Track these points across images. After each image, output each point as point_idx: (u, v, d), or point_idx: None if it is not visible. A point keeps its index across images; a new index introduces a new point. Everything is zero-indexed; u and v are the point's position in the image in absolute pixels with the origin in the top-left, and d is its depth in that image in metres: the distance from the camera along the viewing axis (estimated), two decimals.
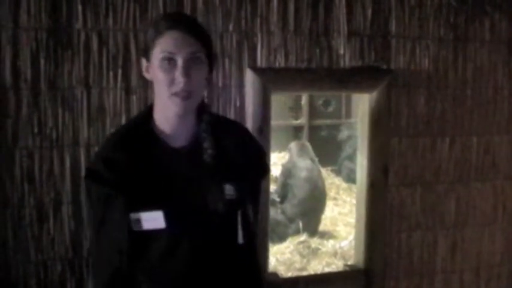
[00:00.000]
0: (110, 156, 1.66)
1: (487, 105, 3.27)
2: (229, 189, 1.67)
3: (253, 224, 1.77)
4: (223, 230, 1.69)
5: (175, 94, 1.60)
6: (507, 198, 3.39)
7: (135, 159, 1.64)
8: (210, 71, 1.73)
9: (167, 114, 1.67)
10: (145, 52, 1.67)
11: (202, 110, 1.75)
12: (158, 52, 1.61)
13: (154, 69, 1.63)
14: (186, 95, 1.60)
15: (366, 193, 3.03)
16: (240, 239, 1.69)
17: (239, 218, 1.69)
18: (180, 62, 1.59)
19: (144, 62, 1.69)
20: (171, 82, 1.60)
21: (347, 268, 3.19)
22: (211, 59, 1.71)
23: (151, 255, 1.64)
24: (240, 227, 1.69)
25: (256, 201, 1.84)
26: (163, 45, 1.61)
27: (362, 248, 3.06)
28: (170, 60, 1.60)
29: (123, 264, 1.63)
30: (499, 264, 3.42)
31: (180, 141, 1.69)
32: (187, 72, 1.59)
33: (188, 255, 1.65)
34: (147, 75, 1.70)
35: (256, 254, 1.84)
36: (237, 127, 1.89)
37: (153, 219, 1.60)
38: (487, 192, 3.34)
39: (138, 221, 1.60)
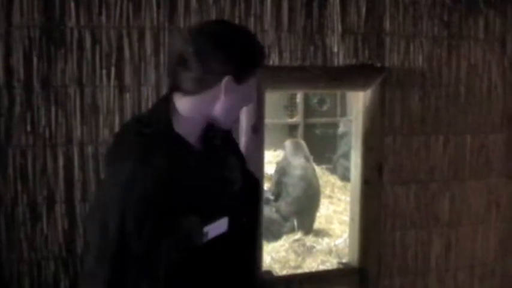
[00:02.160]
0: (152, 164, 1.54)
1: (481, 104, 3.27)
2: (238, 180, 1.72)
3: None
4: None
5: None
6: (501, 196, 3.40)
7: (178, 166, 1.57)
8: None
9: (195, 122, 1.65)
10: (240, 73, 1.59)
11: None
12: (249, 85, 1.63)
13: (241, 93, 1.62)
14: None
15: (360, 191, 3.03)
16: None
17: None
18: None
19: (231, 80, 1.58)
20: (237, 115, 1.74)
21: (341, 266, 3.20)
22: None
23: (210, 259, 1.62)
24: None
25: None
26: (253, 82, 1.64)
27: (356, 246, 3.06)
28: None
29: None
30: (493, 262, 3.43)
31: (197, 143, 1.68)
32: None
33: (225, 246, 1.65)
34: (223, 91, 1.59)
35: (256, 244, 1.93)
36: None
37: (218, 227, 1.58)
38: (481, 191, 3.34)
39: (207, 233, 1.56)
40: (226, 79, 1.57)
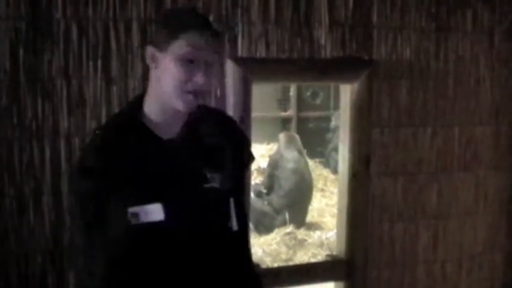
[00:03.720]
0: (101, 150, 1.65)
1: (469, 96, 3.28)
2: (218, 177, 1.69)
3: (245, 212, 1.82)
4: (218, 218, 1.70)
5: (189, 92, 1.59)
6: (489, 188, 3.41)
7: (127, 152, 1.64)
8: None
9: (166, 107, 1.65)
10: (159, 41, 1.63)
11: None
12: (181, 48, 1.58)
13: (168, 62, 1.60)
14: (201, 94, 1.61)
15: (347, 183, 3.04)
16: (235, 226, 1.71)
17: (232, 206, 1.71)
18: (202, 62, 1.59)
19: (152, 49, 1.64)
20: (187, 80, 1.58)
21: (329, 258, 3.21)
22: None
23: (149, 246, 1.64)
24: (233, 214, 1.71)
25: (244, 190, 1.90)
26: (189, 42, 1.58)
27: (344, 238, 3.08)
28: (191, 60, 1.59)
29: (120, 260, 1.64)
30: (480, 254, 3.44)
31: (170, 133, 1.68)
32: (207, 73, 1.60)
33: (185, 243, 1.66)
34: (151, 64, 1.65)
35: (249, 241, 1.86)
36: (223, 118, 1.90)
37: (151, 212, 1.60)
38: (469, 183, 3.35)
39: (137, 214, 1.59)
40: (148, 48, 1.64)
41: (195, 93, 1.59)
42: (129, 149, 1.64)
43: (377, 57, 3.02)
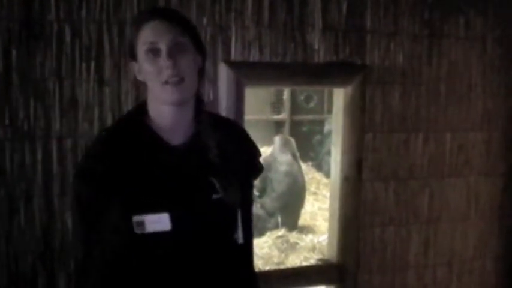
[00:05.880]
0: (104, 154, 1.60)
1: (461, 102, 3.30)
2: (227, 188, 1.63)
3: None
4: (224, 230, 1.66)
5: (166, 82, 1.55)
6: (480, 194, 3.43)
7: (132, 156, 1.59)
8: (202, 60, 1.70)
9: (162, 109, 1.61)
10: (132, 53, 1.63)
11: (199, 108, 1.70)
12: (141, 46, 1.58)
13: (142, 65, 1.60)
14: (177, 80, 1.55)
15: (339, 188, 3.04)
16: (241, 239, 1.66)
17: (239, 218, 1.65)
18: (163, 48, 1.55)
19: (134, 65, 1.64)
20: (159, 71, 1.55)
21: (320, 262, 3.21)
22: (199, 46, 1.67)
23: (152, 256, 1.59)
24: (240, 226, 1.66)
25: (251, 201, 1.83)
26: (144, 38, 1.57)
27: (335, 242, 3.08)
28: (154, 51, 1.56)
29: (119, 268, 1.59)
30: (471, 260, 3.45)
31: (177, 138, 1.64)
32: (171, 56, 1.55)
33: (190, 255, 1.61)
34: (140, 77, 1.63)
35: (253, 254, 1.83)
36: (234, 127, 1.86)
37: (157, 221, 1.54)
38: (461, 188, 3.37)
39: (142, 223, 1.54)
40: (131, 64, 1.67)
41: (173, 81, 1.55)
42: (134, 153, 1.59)
43: (370, 62, 3.02)
